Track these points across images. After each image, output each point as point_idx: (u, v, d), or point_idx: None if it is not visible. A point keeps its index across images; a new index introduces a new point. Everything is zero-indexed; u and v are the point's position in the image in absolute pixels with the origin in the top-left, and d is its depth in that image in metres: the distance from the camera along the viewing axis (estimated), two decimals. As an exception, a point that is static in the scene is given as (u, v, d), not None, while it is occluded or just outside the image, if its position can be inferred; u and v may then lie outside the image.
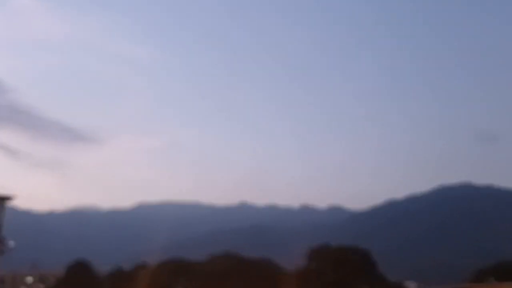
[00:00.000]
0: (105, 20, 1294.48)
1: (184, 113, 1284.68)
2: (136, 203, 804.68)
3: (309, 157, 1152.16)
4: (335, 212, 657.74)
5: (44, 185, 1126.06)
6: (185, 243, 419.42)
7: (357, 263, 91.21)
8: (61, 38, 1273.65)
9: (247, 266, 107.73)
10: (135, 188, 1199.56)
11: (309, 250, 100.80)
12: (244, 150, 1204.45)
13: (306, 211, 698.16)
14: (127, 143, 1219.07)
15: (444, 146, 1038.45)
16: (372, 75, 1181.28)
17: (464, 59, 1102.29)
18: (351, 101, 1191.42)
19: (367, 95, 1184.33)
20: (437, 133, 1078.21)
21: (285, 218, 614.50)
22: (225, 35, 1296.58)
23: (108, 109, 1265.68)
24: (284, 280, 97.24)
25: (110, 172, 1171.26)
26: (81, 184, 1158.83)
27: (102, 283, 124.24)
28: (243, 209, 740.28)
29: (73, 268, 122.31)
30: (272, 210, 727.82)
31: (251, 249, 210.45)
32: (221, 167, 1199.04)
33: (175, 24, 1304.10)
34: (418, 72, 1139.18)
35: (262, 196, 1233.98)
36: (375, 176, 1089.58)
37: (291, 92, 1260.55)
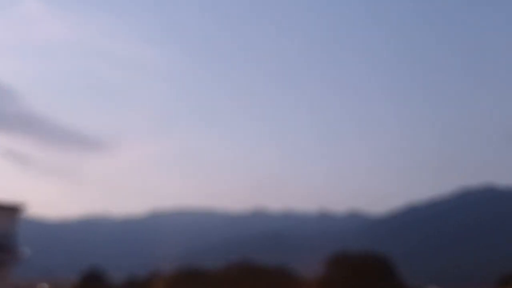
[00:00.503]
0: (115, 24, 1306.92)
1: (197, 119, 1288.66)
2: (149, 210, 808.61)
3: (326, 161, 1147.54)
4: (354, 218, 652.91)
5: (56, 192, 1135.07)
6: (199, 251, 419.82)
7: (378, 270, 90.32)
8: (71, 43, 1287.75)
9: (262, 274, 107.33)
10: (148, 195, 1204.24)
11: (328, 257, 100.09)
12: (259, 156, 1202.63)
13: (323, 217, 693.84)
14: (139, 150, 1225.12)
15: (466, 147, 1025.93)
16: (395, 74, 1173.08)
17: (483, 57, 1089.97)
18: (370, 103, 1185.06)
19: (386, 96, 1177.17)
20: (459, 134, 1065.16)
21: (302, 225, 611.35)
22: (239, 38, 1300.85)
23: (120, 115, 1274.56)
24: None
25: (123, 179, 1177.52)
26: (94, 191, 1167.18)
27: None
28: (258, 216, 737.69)
29: (87, 276, 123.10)
30: (288, 217, 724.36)
31: (266, 256, 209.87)
32: (235, 173, 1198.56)
33: (187, 27, 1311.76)
34: (440, 70, 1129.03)
35: (278, 202, 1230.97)
36: (395, 179, 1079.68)
37: (306, 95, 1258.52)
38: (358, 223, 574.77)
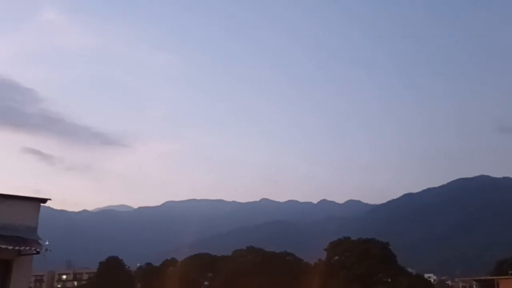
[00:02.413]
0: (131, 30, 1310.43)
1: (207, 117, 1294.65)
2: (163, 202, 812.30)
3: (326, 154, 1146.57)
4: (354, 206, 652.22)
5: (77, 187, 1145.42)
6: (210, 239, 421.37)
7: (378, 256, 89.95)
8: (89, 48, 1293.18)
9: (271, 260, 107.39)
10: (162, 188, 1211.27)
11: (330, 243, 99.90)
12: (264, 149, 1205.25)
13: (325, 205, 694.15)
14: (154, 147, 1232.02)
15: (462, 140, 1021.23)
16: (388, 72, 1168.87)
17: (480, 53, 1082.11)
18: (368, 98, 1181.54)
19: (384, 92, 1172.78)
20: (454, 126, 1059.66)
21: (305, 213, 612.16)
22: (244, 41, 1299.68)
23: (136, 115, 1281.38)
24: (307, 273, 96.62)
25: (139, 173, 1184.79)
26: (112, 185, 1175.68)
27: (133, 279, 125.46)
28: (265, 205, 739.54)
29: (105, 265, 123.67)
30: (293, 206, 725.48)
31: (274, 243, 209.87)
32: (242, 166, 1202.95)
33: (199, 34, 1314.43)
34: (434, 66, 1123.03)
35: (283, 192, 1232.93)
36: (393, 171, 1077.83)
37: (310, 91, 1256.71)
38: (358, 211, 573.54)
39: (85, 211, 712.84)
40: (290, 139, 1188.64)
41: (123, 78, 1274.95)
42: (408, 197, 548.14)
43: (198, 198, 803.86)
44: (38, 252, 17.36)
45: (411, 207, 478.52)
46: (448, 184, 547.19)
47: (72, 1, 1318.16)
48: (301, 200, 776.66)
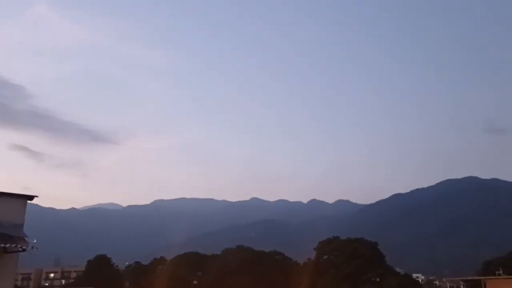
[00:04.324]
0: (121, 26, 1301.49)
1: (197, 115, 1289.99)
2: (153, 200, 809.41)
3: (316, 153, 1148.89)
4: (343, 206, 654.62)
5: (66, 184, 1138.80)
6: (200, 237, 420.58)
7: (367, 256, 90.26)
8: (79, 44, 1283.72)
9: (260, 259, 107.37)
10: (151, 186, 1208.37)
11: (320, 243, 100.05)
12: (253, 147, 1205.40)
13: (315, 205, 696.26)
14: (143, 144, 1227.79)
15: (450, 141, 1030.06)
16: (382, 71, 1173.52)
17: (472, 55, 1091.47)
18: (361, 98, 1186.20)
19: (377, 92, 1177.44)
20: (443, 128, 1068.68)
21: (295, 213, 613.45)
22: (238, 40, 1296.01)
23: (125, 111, 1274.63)
24: (296, 272, 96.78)
25: (128, 171, 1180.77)
26: (101, 183, 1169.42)
27: (122, 278, 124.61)
28: (255, 204, 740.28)
29: (94, 264, 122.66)
30: (283, 205, 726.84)
31: (263, 242, 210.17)
32: (232, 164, 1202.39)
33: (189, 30, 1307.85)
34: (426, 68, 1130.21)
35: (273, 191, 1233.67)
36: (382, 172, 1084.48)
37: (301, 91, 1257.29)
38: (347, 211, 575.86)
39: (73, 208, 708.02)
40: (279, 137, 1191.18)
41: (113, 75, 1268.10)
42: (397, 197, 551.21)
43: (188, 196, 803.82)
44: (24, 250, 17.08)
45: (400, 208, 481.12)
46: (437, 184, 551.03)
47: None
48: (291, 199, 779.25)
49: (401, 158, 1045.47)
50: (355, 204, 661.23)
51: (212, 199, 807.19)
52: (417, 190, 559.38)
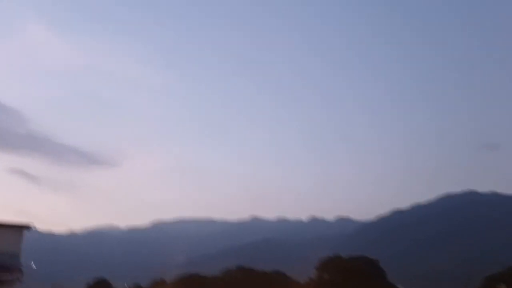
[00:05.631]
0: (115, 45, 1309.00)
1: (196, 133, 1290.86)
2: (151, 222, 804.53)
3: (315, 170, 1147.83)
4: (343, 223, 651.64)
5: (63, 207, 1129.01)
6: (200, 259, 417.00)
7: (368, 273, 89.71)
8: (73, 64, 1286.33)
9: (261, 280, 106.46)
10: (150, 207, 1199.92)
11: (320, 261, 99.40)
12: (250, 165, 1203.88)
13: (315, 223, 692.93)
14: (140, 164, 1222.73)
15: (447, 156, 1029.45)
16: (375, 85, 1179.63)
17: (464, 69, 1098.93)
18: (355, 112, 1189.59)
19: (371, 106, 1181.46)
20: (440, 142, 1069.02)
21: (295, 231, 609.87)
22: (232, 57, 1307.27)
23: (121, 132, 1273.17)
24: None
25: (126, 192, 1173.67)
26: (98, 205, 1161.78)
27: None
28: (255, 223, 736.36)
29: (93, 287, 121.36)
30: (282, 224, 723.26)
31: (263, 262, 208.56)
32: (231, 184, 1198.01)
33: (184, 48, 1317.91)
34: (420, 82, 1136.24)
35: (272, 209, 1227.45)
36: (380, 187, 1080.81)
37: (295, 107, 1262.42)
38: (347, 228, 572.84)
39: (72, 232, 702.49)
40: (273, 154, 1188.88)
41: (109, 95, 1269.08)
42: (396, 213, 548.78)
43: (186, 217, 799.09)
44: (19, 280, 16.97)
45: (399, 223, 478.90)
46: (435, 199, 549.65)
47: (56, 17, 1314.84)
48: (291, 217, 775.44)
49: (399, 173, 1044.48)
50: (355, 221, 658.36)
51: (211, 220, 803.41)
52: (416, 204, 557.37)
